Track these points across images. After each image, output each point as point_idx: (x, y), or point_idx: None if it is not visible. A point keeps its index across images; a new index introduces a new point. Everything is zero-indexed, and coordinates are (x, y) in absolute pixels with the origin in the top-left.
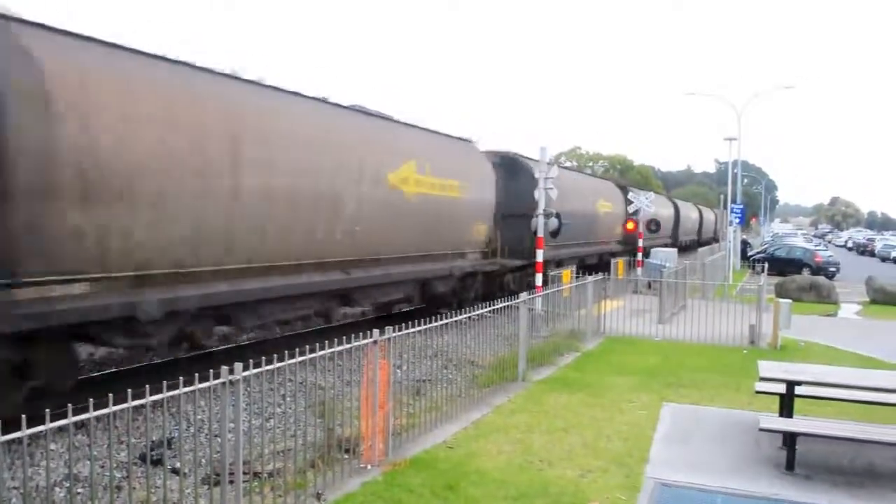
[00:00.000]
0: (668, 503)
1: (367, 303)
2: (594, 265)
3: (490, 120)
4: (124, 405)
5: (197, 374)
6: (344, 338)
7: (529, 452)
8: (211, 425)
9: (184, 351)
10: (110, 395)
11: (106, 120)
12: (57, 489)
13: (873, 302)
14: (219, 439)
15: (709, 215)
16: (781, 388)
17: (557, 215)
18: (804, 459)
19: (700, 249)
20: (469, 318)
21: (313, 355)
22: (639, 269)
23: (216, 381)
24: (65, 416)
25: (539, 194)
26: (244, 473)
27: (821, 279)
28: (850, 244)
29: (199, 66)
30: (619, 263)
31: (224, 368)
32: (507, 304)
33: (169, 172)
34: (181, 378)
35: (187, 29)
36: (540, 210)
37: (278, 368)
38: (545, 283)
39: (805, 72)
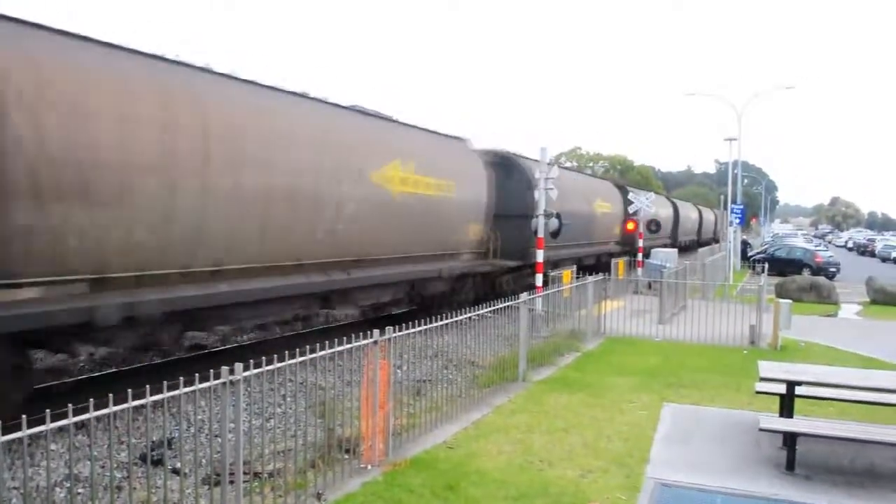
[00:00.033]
0: (669, 503)
1: (353, 306)
2: (592, 266)
3: (490, 120)
4: (125, 405)
5: (197, 375)
6: (344, 338)
7: (530, 453)
8: (211, 425)
9: (151, 358)
10: (110, 395)
11: (54, 115)
12: (57, 489)
13: (873, 302)
14: (219, 439)
15: (708, 216)
16: (782, 389)
17: (558, 216)
18: (804, 460)
19: (700, 250)
20: (469, 318)
21: (314, 355)
22: (639, 270)
23: (216, 382)
24: (65, 416)
25: (539, 195)
26: (244, 473)
27: (821, 279)
28: (850, 244)
29: (163, 56)
30: (620, 264)
31: (224, 368)
32: (507, 304)
33: (128, 168)
34: (181, 378)
35: (187, 29)
36: (540, 210)
37: (279, 368)
38: (545, 283)
39: (805, 72)
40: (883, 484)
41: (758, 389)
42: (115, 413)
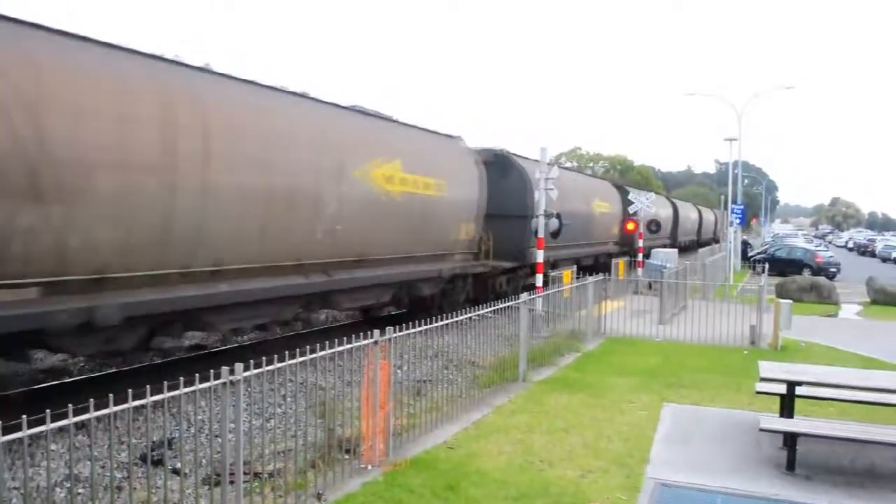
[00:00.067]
0: (669, 503)
1: (339, 308)
2: (590, 266)
3: (490, 120)
4: (125, 405)
5: (197, 375)
6: (345, 338)
7: (530, 453)
8: (211, 425)
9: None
10: (111, 395)
11: None
12: (57, 489)
13: (874, 302)
14: (219, 439)
15: (708, 216)
16: (782, 389)
17: (558, 216)
18: (805, 460)
19: (700, 250)
20: (470, 318)
21: (314, 356)
22: (639, 270)
23: (217, 382)
24: (65, 416)
25: (540, 195)
26: (245, 474)
27: (821, 280)
28: (850, 245)
29: (123, 46)
30: (620, 264)
31: (225, 369)
32: (507, 304)
33: (85, 164)
34: (182, 378)
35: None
36: (540, 211)
37: (279, 369)
38: (545, 284)
39: (805, 72)
40: (883, 484)
41: (758, 389)
42: (115, 413)
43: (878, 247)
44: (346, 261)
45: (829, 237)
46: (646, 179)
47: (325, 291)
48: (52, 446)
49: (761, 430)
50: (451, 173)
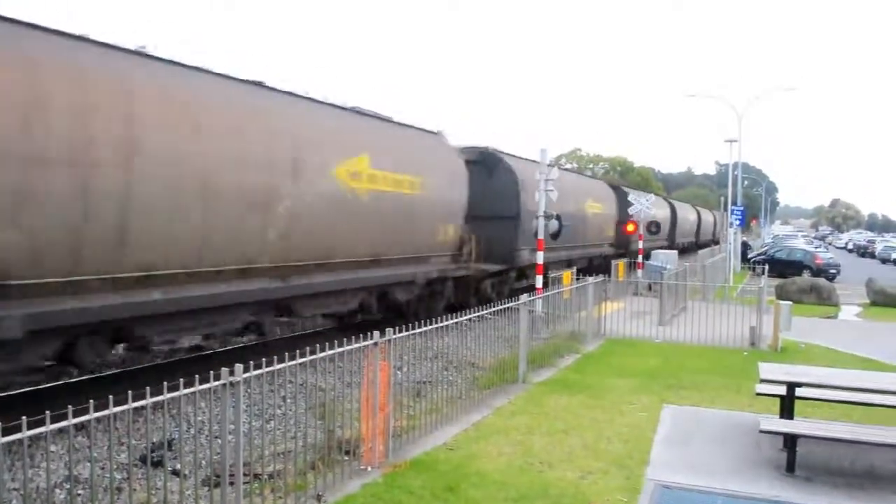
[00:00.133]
0: None
1: (300, 316)
2: (584, 269)
3: (491, 121)
4: (125, 406)
5: (197, 376)
6: (345, 339)
7: (530, 454)
8: (211, 427)
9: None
10: (111, 396)
11: None
12: (57, 491)
13: (874, 304)
14: (219, 441)
15: (707, 217)
16: (782, 390)
17: (558, 217)
18: (805, 461)
19: (699, 252)
20: (469, 319)
21: (314, 357)
22: (639, 272)
23: (217, 383)
24: (65, 417)
25: (540, 196)
26: (244, 475)
27: (821, 281)
28: (850, 246)
29: (28, 21)
30: (620, 265)
31: (224, 370)
32: (507, 305)
33: None
34: (181, 379)
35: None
36: (540, 211)
37: (279, 370)
38: (545, 285)
39: (806, 74)
40: (883, 486)
41: (758, 391)
42: (115, 414)
43: (878, 248)
44: (306, 265)
45: (829, 238)
46: (646, 181)
47: (280, 298)
48: (52, 447)
49: (761, 431)
50: (430, 171)
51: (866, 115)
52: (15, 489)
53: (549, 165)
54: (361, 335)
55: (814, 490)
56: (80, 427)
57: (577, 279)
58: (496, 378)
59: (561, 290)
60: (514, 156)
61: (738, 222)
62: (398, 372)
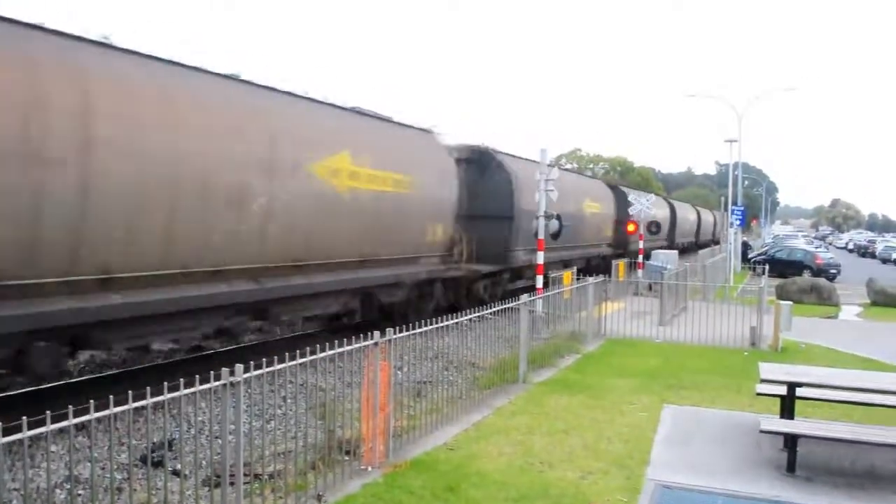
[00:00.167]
0: None
1: (277, 321)
2: (582, 269)
3: (491, 121)
4: (125, 406)
5: (198, 376)
6: (345, 339)
7: (530, 454)
8: (212, 427)
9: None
10: (111, 396)
11: None
12: (58, 491)
13: (874, 304)
14: (219, 441)
15: (707, 217)
16: (782, 390)
17: (558, 217)
18: (805, 461)
19: (699, 252)
20: (470, 320)
21: (314, 357)
22: (639, 272)
23: (217, 383)
24: (65, 417)
25: (540, 196)
26: (245, 475)
27: (821, 281)
28: (850, 246)
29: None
30: (621, 265)
31: (225, 370)
32: (507, 306)
33: None
34: (182, 380)
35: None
36: (541, 211)
37: (279, 370)
38: (545, 285)
39: (806, 74)
40: (883, 486)
41: (758, 391)
42: (115, 414)
43: (879, 248)
44: (282, 266)
45: (830, 238)
46: (646, 181)
47: (255, 302)
48: (53, 447)
49: (762, 431)
50: (417, 168)
51: (866, 115)
52: (15, 489)
53: (549, 166)
54: (362, 335)
55: (814, 490)
56: (81, 427)
57: (577, 279)
58: (496, 378)
59: (561, 290)
60: (509, 154)
61: (738, 222)
62: (398, 372)
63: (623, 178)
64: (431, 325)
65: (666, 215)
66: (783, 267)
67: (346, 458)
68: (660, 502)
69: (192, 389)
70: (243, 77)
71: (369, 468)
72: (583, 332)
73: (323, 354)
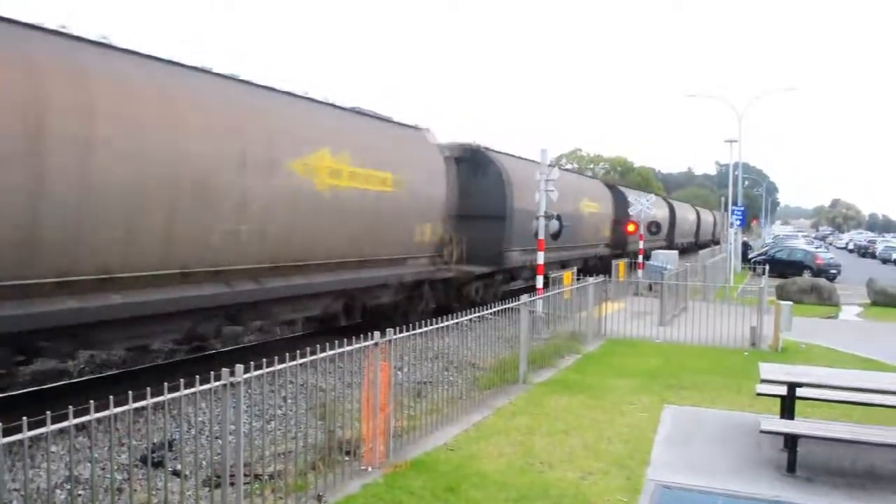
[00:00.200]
0: None
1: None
2: (579, 270)
3: (491, 121)
4: (125, 407)
5: (198, 376)
6: (345, 340)
7: (530, 454)
8: (212, 427)
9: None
10: (111, 396)
11: None
12: (58, 491)
13: (874, 304)
14: (220, 441)
15: (707, 217)
16: (782, 391)
17: (558, 217)
18: (805, 461)
19: (700, 252)
20: (470, 320)
21: (314, 357)
22: (640, 272)
23: (217, 383)
24: (66, 417)
25: (540, 196)
26: (245, 475)
27: (822, 281)
28: (851, 246)
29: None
30: (621, 265)
31: (225, 370)
32: (508, 306)
33: None
34: (182, 380)
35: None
36: (541, 211)
37: (279, 370)
38: (546, 285)
39: (806, 74)
40: (883, 486)
41: (759, 391)
42: (115, 415)
43: (879, 248)
44: (257, 268)
45: (830, 239)
46: (646, 181)
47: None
48: (53, 448)
49: (762, 431)
50: (414, 169)
51: (866, 115)
52: (16, 490)
53: (549, 166)
54: (362, 335)
55: (814, 490)
56: (81, 427)
57: (578, 280)
58: (497, 378)
59: (561, 290)
60: (504, 153)
61: (738, 222)
62: (399, 372)
63: (623, 179)
64: (432, 325)
65: (665, 215)
66: (783, 267)
67: (347, 458)
68: (660, 502)
69: (193, 390)
70: (215, 71)
71: (369, 468)
72: (583, 333)
73: (323, 355)
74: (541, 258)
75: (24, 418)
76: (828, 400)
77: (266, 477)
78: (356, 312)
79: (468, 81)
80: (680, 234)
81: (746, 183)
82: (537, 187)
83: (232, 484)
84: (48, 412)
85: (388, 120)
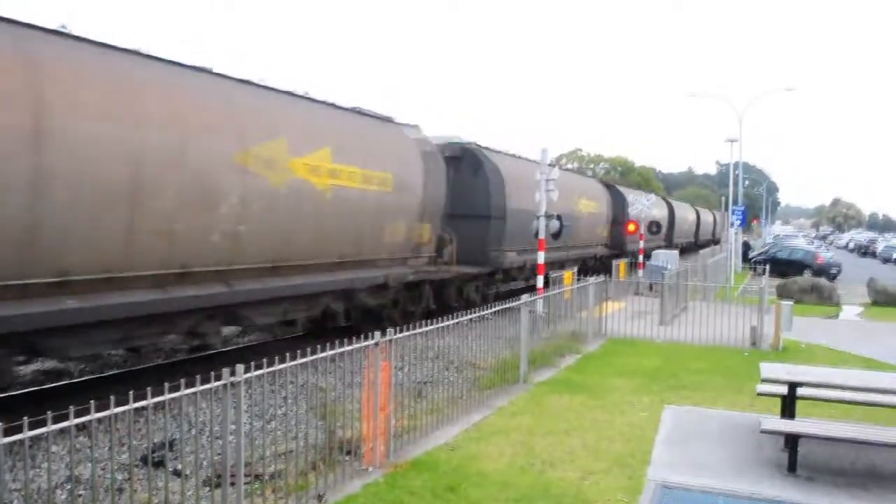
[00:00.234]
0: None
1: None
2: (578, 271)
3: (491, 121)
4: (126, 407)
5: (198, 376)
6: (346, 339)
7: (531, 454)
8: (212, 427)
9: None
10: (112, 396)
11: None
12: (58, 491)
13: (875, 303)
14: (220, 441)
15: (707, 217)
16: (783, 390)
17: (559, 217)
18: (806, 461)
19: (700, 252)
20: (470, 320)
21: (315, 357)
22: (640, 271)
23: (218, 383)
24: (66, 417)
25: (540, 196)
26: (245, 475)
27: (822, 281)
28: (851, 246)
29: None
30: (621, 265)
31: (225, 370)
32: (508, 306)
33: None
34: (183, 380)
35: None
36: (541, 211)
37: (280, 370)
38: (546, 285)
39: (807, 73)
40: (885, 485)
41: (759, 391)
42: (116, 415)
43: (879, 248)
44: (204, 272)
45: (830, 238)
46: (646, 181)
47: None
48: (53, 448)
49: (762, 431)
50: (405, 168)
51: (866, 114)
52: (16, 490)
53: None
54: (362, 335)
55: (815, 490)
56: (82, 427)
57: (579, 279)
58: (497, 378)
59: (562, 290)
60: (498, 152)
61: (738, 222)
62: (399, 372)
63: (624, 178)
64: (432, 325)
65: (664, 215)
66: (784, 267)
67: (347, 458)
68: (661, 502)
69: (193, 390)
70: (165, 57)
71: (370, 468)
72: (583, 332)
73: (323, 354)
74: (541, 258)
75: (25, 418)
76: (828, 399)
77: (267, 477)
78: (349, 313)
79: (468, 81)
80: (679, 233)
81: (747, 182)
82: (536, 187)
83: (232, 484)
84: (49, 412)
85: (379, 117)
